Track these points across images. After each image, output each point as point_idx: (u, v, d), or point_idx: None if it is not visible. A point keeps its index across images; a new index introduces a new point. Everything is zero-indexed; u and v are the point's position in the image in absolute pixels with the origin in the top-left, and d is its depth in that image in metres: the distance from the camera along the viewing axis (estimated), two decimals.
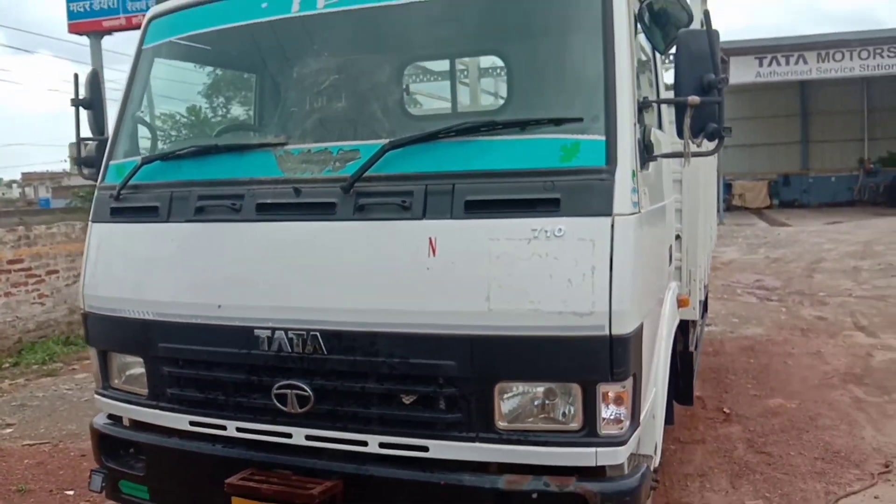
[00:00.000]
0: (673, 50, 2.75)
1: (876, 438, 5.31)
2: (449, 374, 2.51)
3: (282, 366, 2.70)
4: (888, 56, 26.73)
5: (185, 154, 3.04)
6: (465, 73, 4.48)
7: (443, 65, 4.34)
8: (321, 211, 2.66)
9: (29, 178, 65.29)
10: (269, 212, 2.76)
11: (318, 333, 2.62)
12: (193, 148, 3.05)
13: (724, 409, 6.08)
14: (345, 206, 2.62)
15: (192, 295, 2.86)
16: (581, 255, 2.40)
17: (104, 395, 3.24)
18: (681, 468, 4.88)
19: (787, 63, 28.05)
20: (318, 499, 2.55)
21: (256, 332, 2.71)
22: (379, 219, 2.59)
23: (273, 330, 2.69)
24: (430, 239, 2.51)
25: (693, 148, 2.67)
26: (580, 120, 2.52)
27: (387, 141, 2.61)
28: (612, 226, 2.41)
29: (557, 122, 2.54)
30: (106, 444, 3.21)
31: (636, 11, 2.81)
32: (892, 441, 5.23)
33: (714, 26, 2.65)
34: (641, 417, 2.69)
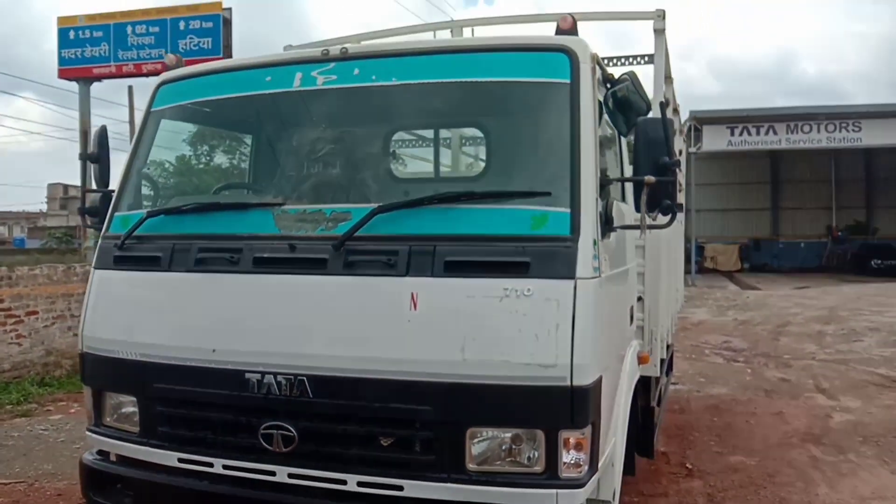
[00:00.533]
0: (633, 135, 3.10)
1: (829, 496, 5.56)
2: (424, 419, 2.75)
3: (269, 407, 2.92)
4: (853, 130, 27.93)
5: (188, 209, 3.31)
6: (448, 140, 4.83)
7: (428, 131, 4.70)
8: (314, 266, 2.93)
9: (4, 217, 64.76)
10: (265, 265, 3.02)
11: (305, 378, 2.86)
12: (197, 204, 3.32)
13: (687, 465, 6.31)
14: (335, 262, 2.89)
15: (189, 339, 3.09)
16: (547, 313, 2.68)
17: (96, 432, 3.41)
18: None
19: (758, 133, 29.19)
20: None
21: (247, 374, 2.94)
22: (366, 274, 2.86)
23: (263, 374, 2.91)
24: (412, 294, 2.78)
25: (649, 221, 3.00)
26: (549, 194, 2.84)
27: (376, 205, 2.90)
28: (575, 288, 2.70)
29: (529, 195, 2.86)
30: (94, 479, 3.37)
31: (601, 99, 3.17)
32: (843, 498, 5.48)
33: (668, 115, 3.02)
34: (600, 464, 2.93)
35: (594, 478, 2.84)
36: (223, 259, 3.09)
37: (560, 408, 2.67)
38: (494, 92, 3.13)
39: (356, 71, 3.20)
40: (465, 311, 2.73)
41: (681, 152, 8.65)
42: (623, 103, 3.16)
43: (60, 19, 17.87)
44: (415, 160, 5.13)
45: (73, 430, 7.03)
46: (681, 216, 7.65)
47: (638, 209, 2.98)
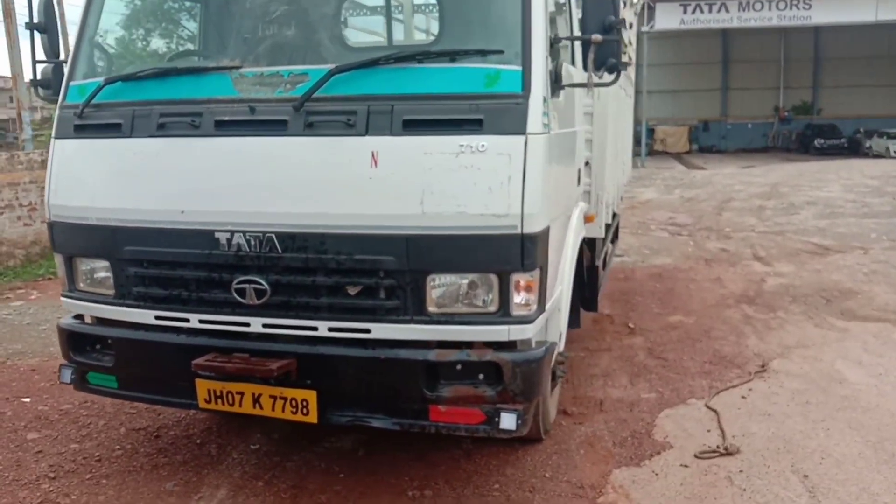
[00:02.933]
0: None
1: (758, 346, 6.09)
2: (388, 268, 2.96)
3: (240, 264, 3.09)
4: (803, 7, 27.92)
5: (146, 75, 3.32)
6: (400, 9, 4.82)
7: (378, 1, 4.68)
8: (275, 128, 3.03)
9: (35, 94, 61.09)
10: (226, 128, 3.10)
11: (273, 235, 3.02)
12: (155, 69, 3.34)
13: (630, 325, 6.78)
14: (296, 123, 2.99)
15: (156, 202, 3.20)
16: (500, 167, 2.86)
17: (70, 297, 3.55)
18: (588, 370, 5.52)
19: (710, 11, 28.97)
20: (275, 372, 3.00)
21: (217, 234, 3.08)
22: (327, 135, 2.98)
23: (232, 232, 3.06)
24: (372, 152, 2.92)
25: (595, 80, 3.15)
26: (501, 52, 2.96)
27: (333, 66, 2.98)
28: (526, 143, 2.88)
29: (483, 53, 2.97)
30: (74, 341, 3.54)
31: None
32: (770, 348, 6.02)
33: None
34: (547, 306, 3.22)
35: (542, 317, 3.13)
36: (184, 123, 3.15)
37: (512, 253, 2.91)
38: None
39: None
40: (424, 167, 2.89)
41: (631, 26, 8.70)
42: None
43: None
44: (366, 33, 5.13)
45: (36, 314, 7.15)
46: (630, 89, 7.82)
47: (585, 68, 3.12)
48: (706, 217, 14.10)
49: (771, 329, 6.59)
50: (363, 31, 4.92)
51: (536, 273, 3.01)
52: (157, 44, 3.79)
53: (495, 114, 2.89)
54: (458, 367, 2.99)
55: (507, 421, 2.98)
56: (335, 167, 2.97)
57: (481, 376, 3.00)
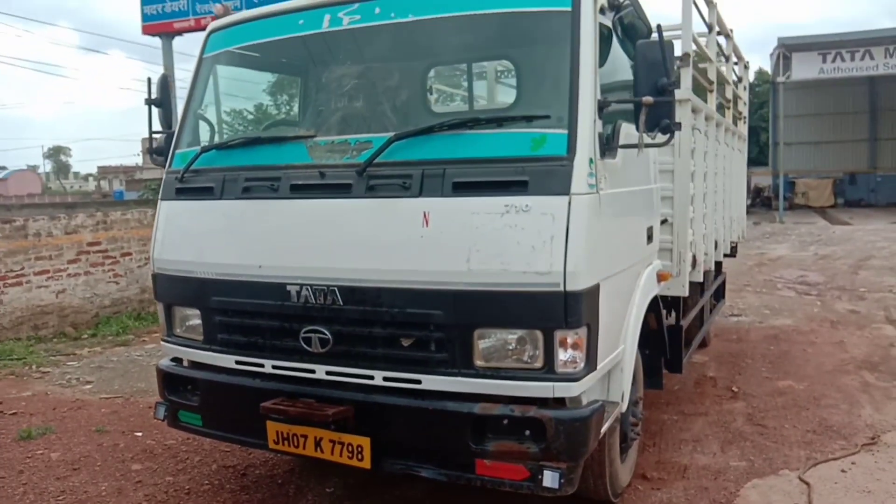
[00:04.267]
0: None
1: (872, 416, 5.63)
2: (437, 322, 3.10)
3: (307, 314, 3.34)
4: None
5: (235, 144, 3.73)
6: (484, 73, 5.06)
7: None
8: (340, 191, 3.29)
9: (104, 172, 68.69)
10: (299, 191, 3.40)
11: (336, 288, 3.25)
12: (242, 139, 3.74)
13: (733, 388, 6.47)
14: (359, 186, 3.25)
15: (239, 257, 3.53)
16: (543, 226, 2.96)
17: (168, 342, 3.96)
18: (679, 434, 5.33)
19: (853, 59, 27.50)
20: (331, 418, 3.19)
21: (288, 286, 3.36)
22: (385, 197, 3.20)
23: (301, 285, 3.33)
24: (424, 213, 3.11)
25: (647, 140, 3.20)
26: (548, 117, 3.08)
27: (393, 134, 3.22)
28: (569, 203, 2.96)
29: (529, 118, 3.11)
30: (168, 381, 3.92)
31: (611, 24, 3.35)
32: (887, 419, 5.55)
33: (665, 38, 3.17)
34: (601, 364, 3.22)
35: (591, 375, 3.13)
36: (265, 187, 3.49)
37: (555, 310, 2.96)
38: (499, 23, 3.35)
39: (377, 10, 3.47)
40: (471, 226, 3.04)
41: (741, 80, 8.51)
42: (627, 28, 3.32)
43: None
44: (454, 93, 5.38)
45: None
46: (740, 144, 7.60)
47: (638, 129, 3.18)
48: (840, 276, 13.19)
49: (891, 399, 6.08)
50: (447, 93, 5.20)
51: (583, 331, 3.04)
52: (252, 115, 4.20)
53: (540, 176, 3.00)
54: (505, 421, 3.05)
55: (550, 479, 2.99)
56: (391, 227, 3.18)
57: (527, 432, 3.04)
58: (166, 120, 4.14)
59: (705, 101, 5.97)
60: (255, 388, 3.53)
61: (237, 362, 3.60)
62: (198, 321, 3.77)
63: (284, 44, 3.81)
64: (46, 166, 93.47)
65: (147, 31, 18.31)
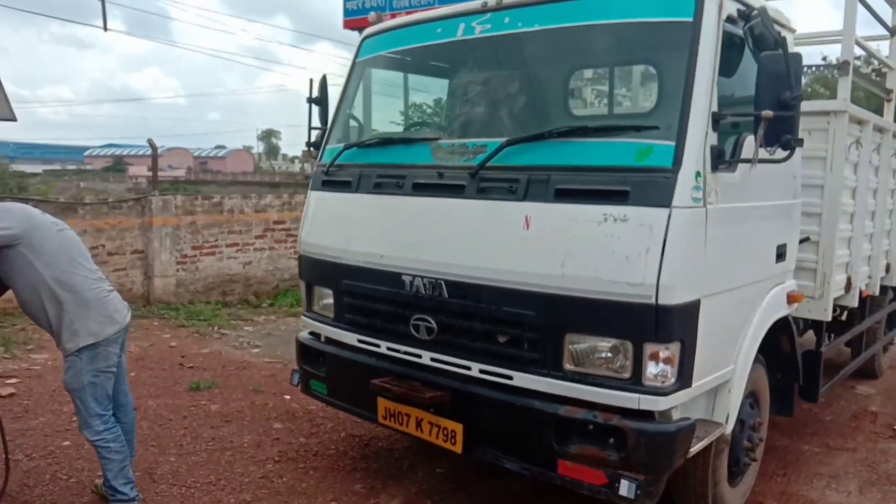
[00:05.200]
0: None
1: None
2: (531, 322, 3.23)
3: (417, 303, 3.59)
4: None
5: (372, 143, 4.07)
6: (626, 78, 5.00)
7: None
8: (455, 191, 3.50)
9: (308, 155, 74.18)
10: (420, 190, 3.66)
11: (443, 281, 3.48)
12: (377, 139, 4.07)
13: (895, 427, 5.90)
14: (471, 188, 3.44)
15: (366, 246, 3.87)
16: (639, 238, 2.97)
17: (308, 317, 4.40)
18: (816, 468, 4.99)
19: None
20: (427, 401, 3.44)
21: (403, 276, 3.64)
22: (493, 199, 3.36)
23: (413, 276, 3.59)
24: (526, 216, 3.23)
25: (765, 156, 3.09)
26: (657, 128, 3.08)
27: (505, 140, 3.38)
28: (669, 216, 2.94)
29: (637, 128, 3.12)
30: (304, 352, 4.37)
31: (743, 33, 3.25)
32: None
33: (793, 50, 3.03)
34: (699, 382, 3.17)
35: (685, 391, 3.09)
36: (392, 184, 3.79)
37: (645, 323, 2.97)
38: (621, 33, 3.36)
39: (506, 20, 3.63)
40: (569, 232, 3.12)
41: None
42: (755, 39, 3.20)
43: None
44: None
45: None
46: None
47: (757, 143, 3.08)
48: None
49: None
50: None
51: (676, 346, 3.02)
52: (397, 117, 4.53)
53: (642, 186, 3.01)
54: (590, 427, 3.11)
55: (626, 489, 3.01)
56: (495, 227, 3.34)
57: (611, 440, 3.07)
58: (323, 117, 4.58)
59: (882, 112, 5.47)
60: (371, 365, 3.86)
61: (359, 341, 3.95)
62: (331, 300, 4.17)
63: (424, 51, 4.08)
64: (259, 147, 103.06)
65: (347, 25, 19.68)
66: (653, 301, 2.94)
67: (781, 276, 3.93)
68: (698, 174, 3.01)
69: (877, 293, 5.63)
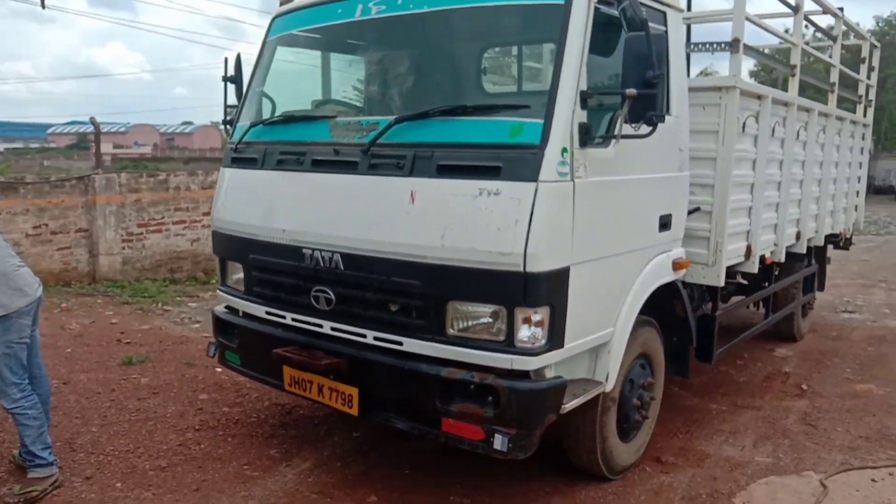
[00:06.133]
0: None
1: None
2: (416, 291, 3.41)
3: (317, 276, 3.76)
4: None
5: (277, 121, 4.19)
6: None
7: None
8: (349, 167, 3.65)
9: (226, 133, 72.92)
10: (318, 166, 3.80)
11: (339, 255, 3.64)
12: (281, 117, 4.20)
13: (803, 386, 6.23)
14: (363, 164, 3.59)
15: (270, 221, 4.01)
16: (509, 210, 3.16)
17: (222, 291, 4.55)
18: (719, 425, 5.28)
19: None
20: (322, 368, 3.63)
21: (303, 250, 3.79)
22: (383, 174, 3.52)
23: (313, 250, 3.75)
24: (411, 191, 3.40)
25: (630, 132, 3.29)
26: (528, 107, 3.25)
27: (394, 118, 3.53)
28: (536, 190, 3.13)
29: (511, 107, 3.29)
30: (219, 325, 4.51)
31: (620, 14, 3.41)
32: None
33: (654, 32, 3.21)
34: (571, 343, 3.39)
35: (557, 352, 3.31)
36: (293, 160, 3.93)
37: (515, 289, 3.17)
38: (500, 15, 3.52)
39: (399, 1, 3.76)
40: (449, 206, 3.30)
41: (874, 68, 7.87)
42: (627, 21, 3.35)
43: None
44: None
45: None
46: (853, 128, 7.11)
47: (624, 121, 3.27)
48: None
49: None
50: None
51: (545, 310, 3.23)
52: (304, 94, 4.64)
53: (513, 162, 3.19)
54: (469, 386, 3.32)
55: (499, 442, 3.23)
56: (384, 202, 3.51)
57: (490, 398, 3.29)
58: (239, 95, 4.68)
59: (786, 88, 5.71)
60: (277, 336, 4.02)
61: (266, 312, 4.11)
62: (241, 275, 4.31)
63: (327, 30, 4.20)
64: None
65: None
66: (521, 269, 3.14)
67: (667, 244, 4.16)
68: (564, 150, 3.20)
69: (782, 260, 5.90)
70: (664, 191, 4.08)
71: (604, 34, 3.38)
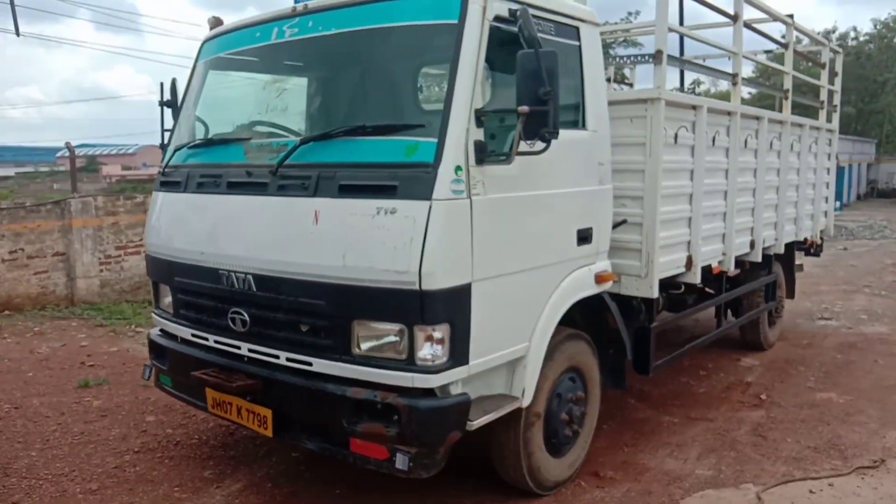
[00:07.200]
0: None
1: None
2: (322, 311, 3.43)
3: (233, 297, 3.78)
4: None
5: (198, 144, 4.24)
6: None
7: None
8: (260, 189, 3.68)
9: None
10: (233, 188, 3.84)
11: (251, 276, 3.67)
12: (202, 140, 4.24)
13: (762, 396, 6.18)
14: (273, 185, 3.62)
15: (191, 244, 4.04)
16: (405, 229, 3.17)
17: (155, 314, 4.58)
18: (667, 437, 5.24)
19: None
20: (234, 390, 3.65)
21: (220, 272, 3.82)
22: (290, 195, 3.55)
23: (229, 271, 3.77)
24: (315, 212, 3.43)
25: (527, 148, 3.30)
26: (423, 126, 3.27)
27: (300, 139, 3.56)
28: (430, 208, 3.15)
29: (408, 127, 3.32)
30: (152, 348, 4.54)
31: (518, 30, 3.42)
32: None
33: (547, 48, 3.22)
34: (477, 360, 3.38)
35: (462, 368, 3.31)
36: (211, 183, 3.97)
37: (413, 307, 3.17)
38: (400, 36, 3.54)
39: (310, 24, 3.80)
40: (349, 226, 3.32)
41: (837, 74, 7.85)
42: (524, 38, 3.36)
43: None
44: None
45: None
46: (817, 135, 7.11)
47: (520, 137, 3.28)
48: None
49: None
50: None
51: (445, 327, 3.23)
52: (234, 116, 4.67)
53: (408, 181, 3.21)
54: (373, 406, 3.32)
55: (401, 461, 3.23)
56: (291, 223, 3.53)
57: (393, 417, 3.29)
58: (176, 119, 4.74)
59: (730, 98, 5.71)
60: (200, 358, 4.04)
61: (192, 335, 4.13)
62: (170, 297, 4.34)
63: (249, 53, 4.25)
64: None
65: None
66: (417, 287, 3.15)
67: (588, 258, 4.15)
68: (458, 168, 3.21)
69: (731, 269, 5.86)
70: (582, 204, 4.08)
71: (508, 52, 3.40)
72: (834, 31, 41.62)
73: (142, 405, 5.69)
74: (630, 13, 24.82)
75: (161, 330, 4.59)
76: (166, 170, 4.38)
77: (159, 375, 4.53)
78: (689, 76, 20.77)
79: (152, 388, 6.03)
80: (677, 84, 23.80)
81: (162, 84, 4.80)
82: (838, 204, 25.22)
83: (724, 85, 24.78)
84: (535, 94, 3.18)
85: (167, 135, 4.71)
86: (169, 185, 4.34)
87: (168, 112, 4.75)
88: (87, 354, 7.34)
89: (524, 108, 3.18)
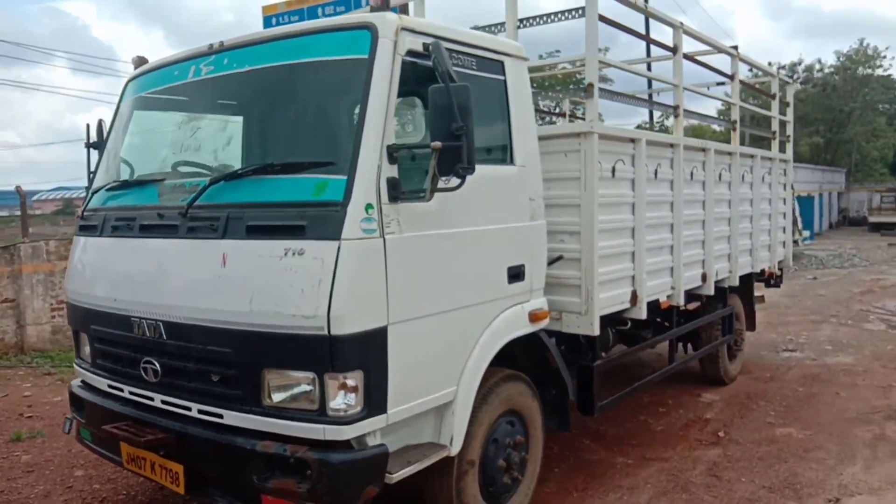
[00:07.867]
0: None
1: (854, 476, 5.06)
2: (230, 360, 3.24)
3: (144, 346, 3.59)
4: None
5: (114, 186, 4.09)
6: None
7: None
8: (170, 231, 3.52)
9: None
10: (145, 231, 3.68)
11: (161, 323, 3.48)
12: (116, 182, 4.09)
13: (720, 433, 6.02)
14: (183, 227, 3.47)
15: (103, 290, 3.87)
16: (313, 270, 3.02)
17: (77, 364, 4.37)
18: (619, 480, 5.06)
19: None
20: (143, 444, 3.44)
21: (132, 319, 3.63)
22: (199, 238, 3.40)
23: (140, 319, 3.59)
24: (223, 254, 3.27)
25: (443, 185, 3.17)
26: (332, 164, 3.15)
27: (209, 179, 3.42)
28: (339, 248, 3.00)
29: (317, 165, 3.18)
30: (72, 400, 4.31)
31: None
32: (868, 481, 4.97)
33: (458, 83, 3.12)
34: (397, 408, 3.21)
35: (378, 418, 3.13)
36: (125, 226, 3.81)
37: (323, 354, 3.00)
38: (314, 71, 3.44)
39: (226, 61, 3.70)
40: (256, 268, 3.16)
41: (788, 104, 7.91)
42: (438, 74, 3.26)
43: (265, 9, 20.22)
44: None
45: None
46: (772, 164, 7.10)
47: (435, 173, 3.16)
48: None
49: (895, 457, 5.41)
50: None
51: (358, 374, 3.06)
52: (149, 156, 4.51)
53: (317, 220, 3.07)
54: (285, 460, 3.12)
55: None
56: (199, 266, 3.37)
57: (306, 472, 3.09)
58: (98, 160, 4.58)
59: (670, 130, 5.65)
60: (116, 411, 3.83)
61: (108, 386, 3.93)
62: (88, 346, 4.14)
63: (168, 92, 4.12)
64: None
65: None
66: (326, 332, 2.99)
67: (520, 295, 4.00)
68: (370, 206, 3.08)
69: (680, 304, 5.75)
70: (512, 241, 3.95)
71: (422, 87, 3.30)
72: (800, 64, 42.55)
73: (73, 459, 5.42)
74: (600, 49, 25.18)
75: (82, 381, 4.38)
76: (85, 213, 4.21)
77: (80, 429, 4.29)
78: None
79: None
80: (646, 119, 24.00)
81: (88, 125, 4.66)
82: (808, 233, 25.41)
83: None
84: (448, 129, 3.07)
85: (93, 177, 4.57)
86: (87, 229, 4.17)
87: (95, 154, 4.62)
88: (27, 405, 7.04)
89: (437, 144, 3.06)
